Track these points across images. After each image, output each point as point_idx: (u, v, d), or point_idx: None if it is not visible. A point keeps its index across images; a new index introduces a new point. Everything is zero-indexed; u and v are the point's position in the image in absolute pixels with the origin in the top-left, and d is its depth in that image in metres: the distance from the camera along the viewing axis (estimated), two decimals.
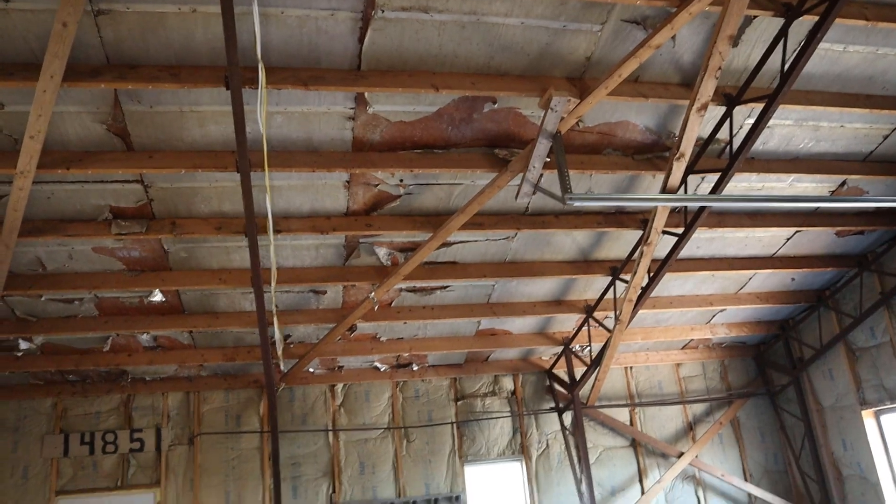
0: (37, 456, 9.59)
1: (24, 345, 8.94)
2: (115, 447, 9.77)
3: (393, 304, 9.45)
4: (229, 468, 10.05)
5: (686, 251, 9.25)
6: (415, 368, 10.97)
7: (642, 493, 11.21)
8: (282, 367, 9.99)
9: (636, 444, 11.47)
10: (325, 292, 8.94)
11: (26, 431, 9.69)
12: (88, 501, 9.52)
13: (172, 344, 9.60)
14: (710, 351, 12.14)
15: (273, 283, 7.30)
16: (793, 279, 10.55)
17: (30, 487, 9.44)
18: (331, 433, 10.52)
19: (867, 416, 10.45)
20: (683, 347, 12.01)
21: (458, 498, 10.55)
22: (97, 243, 7.47)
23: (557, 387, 11.42)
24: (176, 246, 7.73)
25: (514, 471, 11.04)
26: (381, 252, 8.31)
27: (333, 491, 10.23)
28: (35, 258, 7.55)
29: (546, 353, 11.45)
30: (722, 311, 11.03)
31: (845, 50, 6.44)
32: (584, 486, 10.62)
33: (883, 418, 10.38)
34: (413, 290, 9.22)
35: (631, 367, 11.88)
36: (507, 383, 11.40)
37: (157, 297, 8.30)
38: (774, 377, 12.08)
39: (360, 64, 5.76)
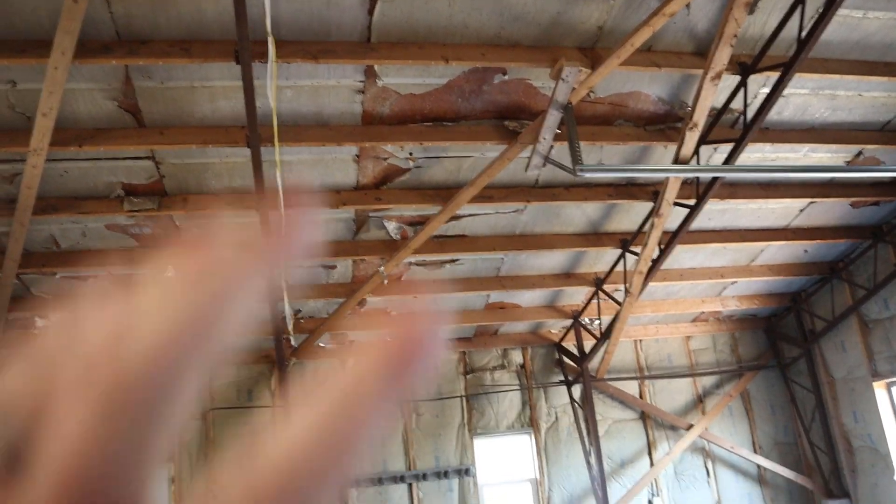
0: None
1: (40, 322, 8.98)
2: None
3: (403, 278, 9.45)
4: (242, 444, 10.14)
5: (697, 223, 9.13)
6: None
7: (651, 465, 11.27)
8: (292, 342, 10.03)
9: (645, 417, 11.51)
10: (334, 267, 8.95)
11: None
12: None
13: None
14: (720, 323, 12.13)
15: None
16: (806, 251, 10.49)
17: None
18: None
19: (879, 388, 10.45)
20: (694, 320, 11.99)
21: (467, 470, 10.64)
22: (110, 220, 7.48)
23: (566, 360, 11.45)
24: (188, 222, 7.73)
25: (523, 443, 11.11)
26: (391, 226, 8.30)
27: None
28: (49, 236, 7.57)
29: (555, 327, 11.46)
30: (733, 283, 11.00)
31: (865, 16, 6.33)
32: (593, 459, 10.68)
33: (894, 390, 10.38)
34: (423, 264, 9.22)
35: (640, 340, 11.89)
36: (517, 356, 11.44)
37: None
38: (785, 350, 12.07)
39: (370, 36, 5.70)
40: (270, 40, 4.98)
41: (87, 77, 5.67)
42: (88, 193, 6.98)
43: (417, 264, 9.19)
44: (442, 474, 10.55)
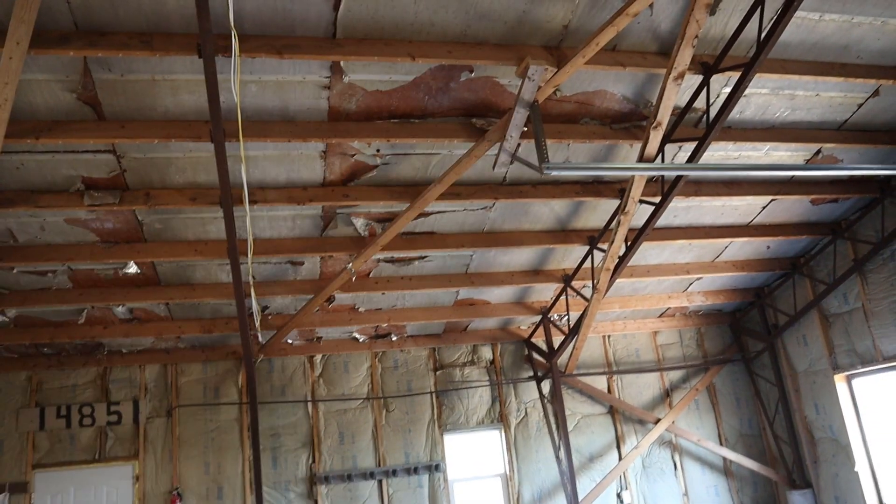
0: (12, 429, 9.52)
1: None
2: (93, 420, 9.73)
3: (371, 275, 9.43)
4: (208, 440, 10.06)
5: (663, 220, 9.31)
6: (393, 339, 11.00)
7: (620, 458, 11.39)
8: (260, 339, 9.97)
9: (614, 411, 11.63)
10: (302, 263, 8.90)
11: (1, 405, 9.61)
12: (66, 474, 9.49)
13: (149, 316, 9.53)
14: (686, 319, 12.29)
15: (250, 255, 7.24)
16: (768, 247, 10.68)
17: (5, 461, 9.39)
18: (310, 404, 10.55)
19: (839, 381, 10.67)
20: (661, 315, 12.14)
21: (437, 466, 10.66)
22: (70, 214, 7.35)
23: (536, 356, 11.52)
24: (150, 217, 7.63)
25: (493, 439, 11.16)
26: (359, 223, 8.27)
27: (313, 461, 10.30)
28: (6, 230, 7.42)
29: (524, 323, 11.52)
30: (698, 279, 11.15)
31: (821, 18, 6.44)
32: (562, 453, 10.77)
33: (854, 382, 10.60)
34: (391, 261, 9.21)
35: (609, 336, 12.00)
36: (486, 353, 11.48)
37: (132, 268, 8.21)
38: (750, 344, 12.27)
39: (336, 32, 5.67)
40: (234, 34, 4.93)
41: (44, 68, 5.56)
42: (47, 187, 6.85)
43: (386, 261, 9.18)
44: (412, 470, 10.56)
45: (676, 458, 11.65)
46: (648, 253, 10.12)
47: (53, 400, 9.76)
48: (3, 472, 9.34)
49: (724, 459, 11.76)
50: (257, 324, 9.08)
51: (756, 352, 12.09)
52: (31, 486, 9.33)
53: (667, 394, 11.94)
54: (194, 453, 9.97)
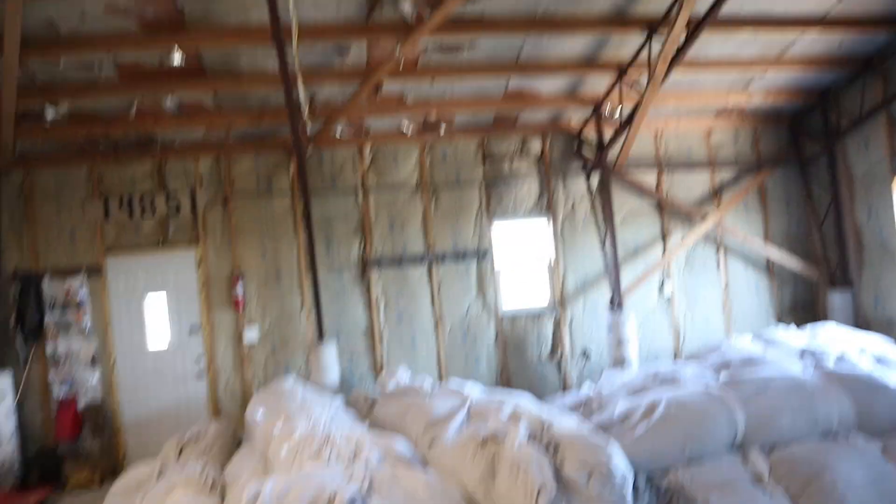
0: (80, 220, 9.99)
1: (50, 113, 8.94)
2: (154, 209, 10.13)
3: (419, 64, 9.18)
4: (264, 228, 10.47)
5: (728, 8, 8.56)
6: (442, 131, 10.91)
7: (664, 252, 11.57)
8: (308, 130, 9.99)
9: (661, 207, 11.64)
10: (348, 50, 8.66)
11: (66, 198, 9.99)
12: (135, 258, 10.09)
13: (197, 109, 9.56)
14: (743, 118, 11.82)
15: (295, 39, 7.04)
16: (841, 43, 9.90)
17: (79, 248, 9.95)
18: (360, 193, 10.78)
19: None
20: (717, 114, 11.68)
21: (485, 253, 11.02)
22: (108, 0, 7.16)
23: (586, 149, 11.38)
24: (190, 3, 7.39)
25: (540, 228, 11.35)
26: (405, 5, 7.89)
27: (365, 247, 10.71)
28: (46, 20, 7.30)
29: (575, 117, 11.25)
30: (761, 76, 10.55)
31: None
32: (608, 245, 10.96)
33: None
34: (439, 49, 8.89)
35: (661, 132, 11.71)
36: (535, 145, 11.38)
37: (177, 57, 8.10)
38: (808, 147, 11.84)
39: None
40: None
41: None
42: None
43: (434, 49, 8.86)
44: (460, 255, 10.94)
45: (720, 254, 11.79)
46: (710, 45, 9.51)
47: (115, 192, 10.13)
48: (79, 257, 9.97)
49: (767, 259, 11.84)
50: (305, 113, 9.05)
51: (813, 155, 11.69)
52: (105, 270, 9.99)
53: (716, 193, 11.83)
54: (251, 240, 10.44)
